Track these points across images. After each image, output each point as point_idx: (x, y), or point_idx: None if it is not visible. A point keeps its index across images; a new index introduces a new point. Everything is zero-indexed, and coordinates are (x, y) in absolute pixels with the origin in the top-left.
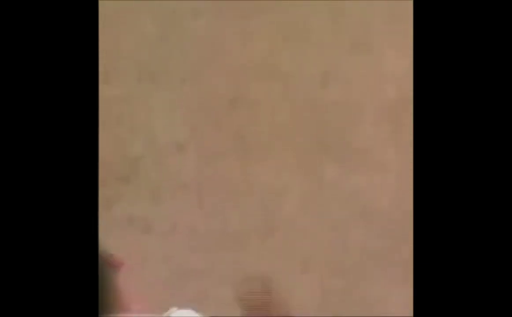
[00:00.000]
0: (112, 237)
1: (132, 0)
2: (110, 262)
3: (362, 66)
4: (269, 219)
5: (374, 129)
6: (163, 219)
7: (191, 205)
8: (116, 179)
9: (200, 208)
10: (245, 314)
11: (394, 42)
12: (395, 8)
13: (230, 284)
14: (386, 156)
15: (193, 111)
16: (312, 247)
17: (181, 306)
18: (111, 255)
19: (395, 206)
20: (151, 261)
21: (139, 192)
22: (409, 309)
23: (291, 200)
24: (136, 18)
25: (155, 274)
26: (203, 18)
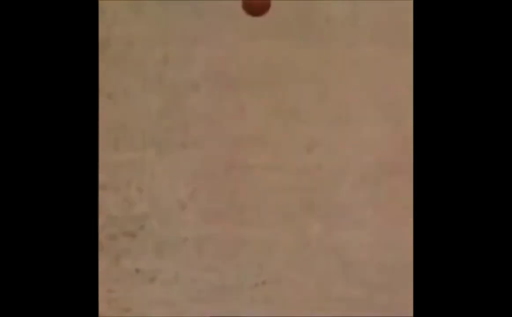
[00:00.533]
0: (121, 287)
1: (138, 79)
2: None
3: (343, 136)
4: (260, 271)
5: (354, 191)
6: (166, 271)
7: (191, 258)
8: (125, 235)
9: (199, 262)
10: None
11: (371, 116)
12: (371, 88)
13: None
14: (364, 215)
15: (193, 175)
16: (299, 296)
17: None
18: None
19: (373, 259)
20: (155, 308)
21: (145, 247)
22: None
23: (280, 254)
24: (142, 94)
25: None
26: (202, 93)
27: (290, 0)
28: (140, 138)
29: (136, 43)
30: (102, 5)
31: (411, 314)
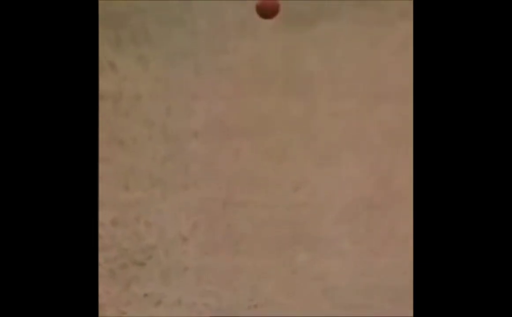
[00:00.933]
0: (131, 309)
1: (145, 128)
2: None
3: (325, 175)
4: (254, 296)
5: (335, 225)
6: (170, 296)
7: (192, 284)
8: (134, 264)
9: (199, 287)
10: None
11: (349, 160)
12: (349, 135)
13: None
14: (344, 246)
15: (194, 211)
16: None
17: None
18: None
19: (352, 284)
20: None
21: (152, 274)
22: None
23: (271, 280)
24: (149, 142)
25: None
26: (201, 140)
27: (279, 59)
28: (147, 179)
29: (143, 97)
30: (115, 63)
31: None
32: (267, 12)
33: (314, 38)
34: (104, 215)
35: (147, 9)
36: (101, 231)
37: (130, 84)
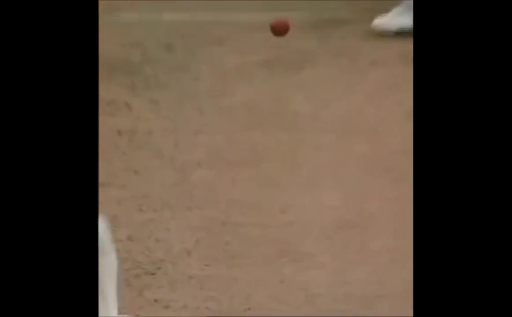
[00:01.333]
0: (144, 313)
1: (156, 159)
2: None
3: (309, 200)
4: (248, 301)
5: (317, 241)
6: (177, 301)
7: (195, 291)
8: (146, 274)
9: (202, 294)
10: None
11: (330, 185)
12: (330, 165)
13: None
14: (325, 259)
15: (197, 229)
16: None
17: None
18: None
19: (331, 293)
20: None
21: (161, 283)
22: None
23: (262, 289)
24: (159, 170)
25: None
26: (203, 169)
27: (270, 100)
28: (158, 202)
29: (155, 132)
30: (130, 104)
31: None
32: (280, 30)
33: (300, 83)
34: (121, 233)
35: (158, 59)
36: (118, 246)
37: (143, 122)
